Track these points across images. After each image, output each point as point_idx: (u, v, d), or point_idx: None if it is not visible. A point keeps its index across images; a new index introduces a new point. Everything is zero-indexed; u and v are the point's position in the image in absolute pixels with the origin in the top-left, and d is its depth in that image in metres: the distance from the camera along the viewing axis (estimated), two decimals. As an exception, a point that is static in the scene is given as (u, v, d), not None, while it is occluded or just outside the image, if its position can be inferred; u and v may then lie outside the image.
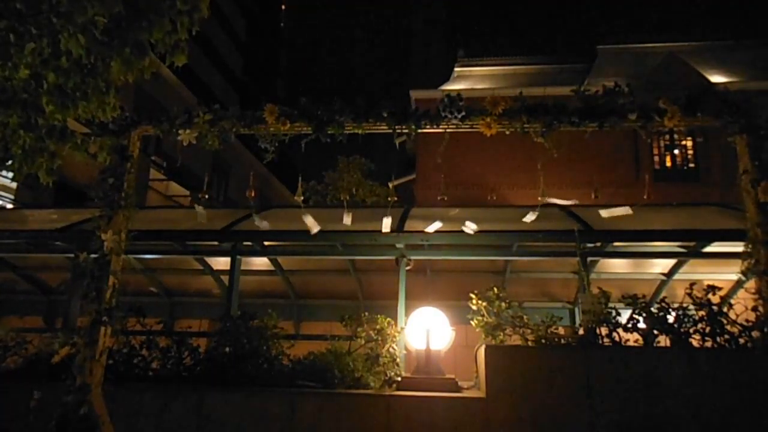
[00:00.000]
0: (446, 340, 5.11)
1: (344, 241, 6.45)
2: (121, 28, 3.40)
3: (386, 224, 5.66)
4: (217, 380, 4.79)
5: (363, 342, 5.24)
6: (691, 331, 4.40)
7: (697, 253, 6.50)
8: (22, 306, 8.21)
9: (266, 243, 6.81)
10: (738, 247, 4.55)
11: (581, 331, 4.60)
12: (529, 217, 5.26)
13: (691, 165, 16.29)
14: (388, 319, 5.39)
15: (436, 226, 5.65)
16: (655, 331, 4.43)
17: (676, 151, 16.46)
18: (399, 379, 4.87)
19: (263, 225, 5.70)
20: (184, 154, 4.84)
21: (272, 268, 7.72)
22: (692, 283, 4.63)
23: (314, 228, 5.38)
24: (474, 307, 5.11)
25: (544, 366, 4.22)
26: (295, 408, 4.41)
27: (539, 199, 4.98)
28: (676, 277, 7.17)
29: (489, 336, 4.93)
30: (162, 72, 16.12)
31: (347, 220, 5.38)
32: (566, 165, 12.12)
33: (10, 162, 3.91)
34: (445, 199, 5.12)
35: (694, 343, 4.38)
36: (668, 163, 16.51)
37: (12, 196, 12.62)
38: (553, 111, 4.35)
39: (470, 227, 5.59)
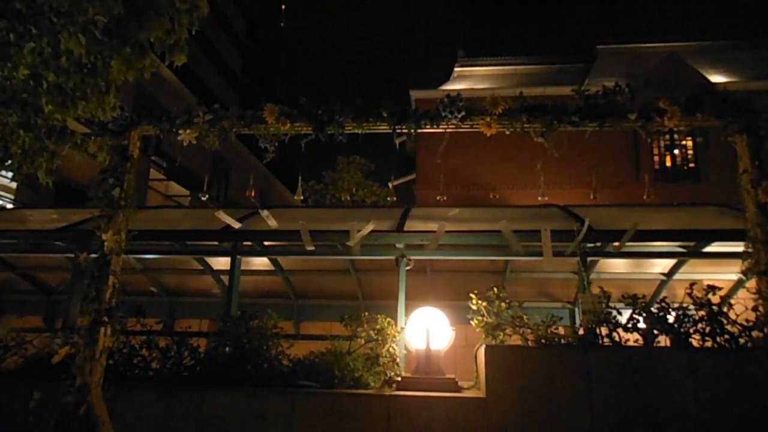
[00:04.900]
0: (446, 340, 5.11)
1: (344, 241, 6.44)
2: (121, 28, 3.40)
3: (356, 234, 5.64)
4: (217, 380, 4.78)
5: (363, 342, 5.24)
6: (691, 331, 4.40)
7: (697, 253, 6.49)
8: (22, 306, 8.20)
9: (266, 243, 6.81)
10: (738, 247, 4.55)
11: (581, 331, 4.60)
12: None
13: (691, 165, 16.28)
14: (388, 319, 5.39)
15: (440, 235, 5.60)
16: (655, 331, 4.44)
17: (676, 151, 16.46)
18: (399, 379, 4.86)
19: (271, 222, 5.69)
20: (184, 154, 4.85)
21: (272, 268, 7.71)
22: (692, 283, 4.63)
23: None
24: (474, 307, 5.11)
25: (544, 366, 4.22)
26: (295, 408, 4.41)
27: (539, 198, 4.97)
28: (676, 277, 7.16)
29: (489, 336, 4.94)
30: (162, 72, 16.13)
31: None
32: (566, 165, 12.14)
33: (9, 162, 3.91)
34: (445, 198, 5.11)
35: (694, 343, 4.38)
36: (668, 163, 16.51)
37: (12, 196, 12.61)
38: (553, 111, 4.34)
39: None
